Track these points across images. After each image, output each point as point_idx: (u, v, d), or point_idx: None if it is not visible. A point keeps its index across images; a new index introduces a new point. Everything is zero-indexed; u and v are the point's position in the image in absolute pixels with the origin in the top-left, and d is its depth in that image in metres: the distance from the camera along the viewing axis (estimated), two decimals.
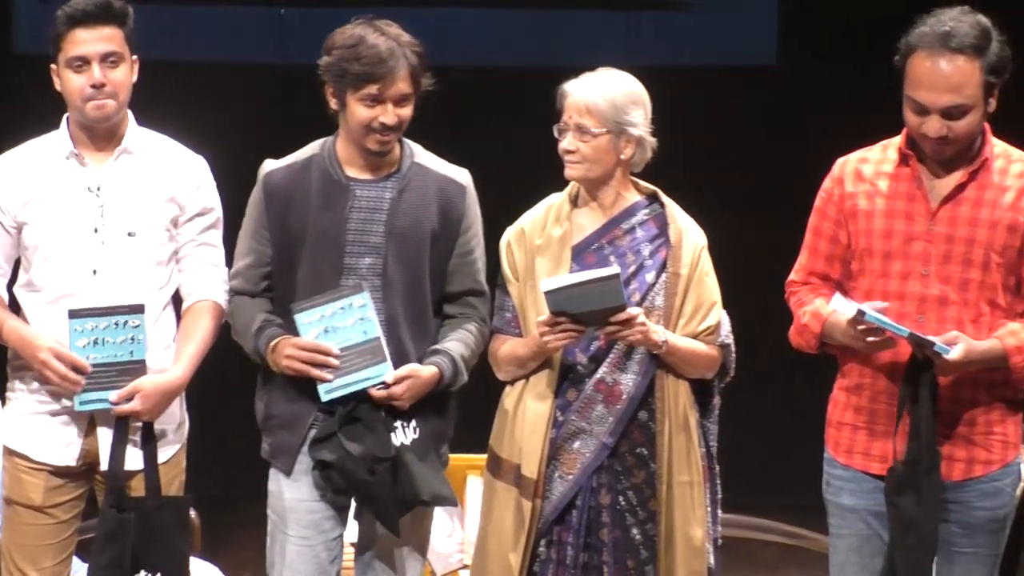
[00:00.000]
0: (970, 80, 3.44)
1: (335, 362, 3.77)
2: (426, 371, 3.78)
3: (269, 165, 3.87)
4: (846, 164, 3.69)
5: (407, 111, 3.77)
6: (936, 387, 3.52)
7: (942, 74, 3.46)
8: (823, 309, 3.65)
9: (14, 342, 3.85)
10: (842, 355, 3.66)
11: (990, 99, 3.50)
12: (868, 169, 3.65)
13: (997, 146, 3.58)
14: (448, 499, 3.93)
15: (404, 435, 3.81)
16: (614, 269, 3.67)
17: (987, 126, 3.59)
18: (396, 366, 3.80)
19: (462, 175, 3.93)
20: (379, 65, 3.70)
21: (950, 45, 3.45)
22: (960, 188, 3.56)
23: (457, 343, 3.85)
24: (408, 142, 3.89)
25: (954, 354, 3.44)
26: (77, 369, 3.74)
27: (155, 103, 4.10)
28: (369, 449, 3.78)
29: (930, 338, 3.50)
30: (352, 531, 4.13)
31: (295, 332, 3.79)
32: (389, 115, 3.71)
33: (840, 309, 3.53)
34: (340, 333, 3.71)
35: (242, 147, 4.31)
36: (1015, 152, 3.60)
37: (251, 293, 3.89)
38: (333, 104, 3.83)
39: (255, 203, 3.87)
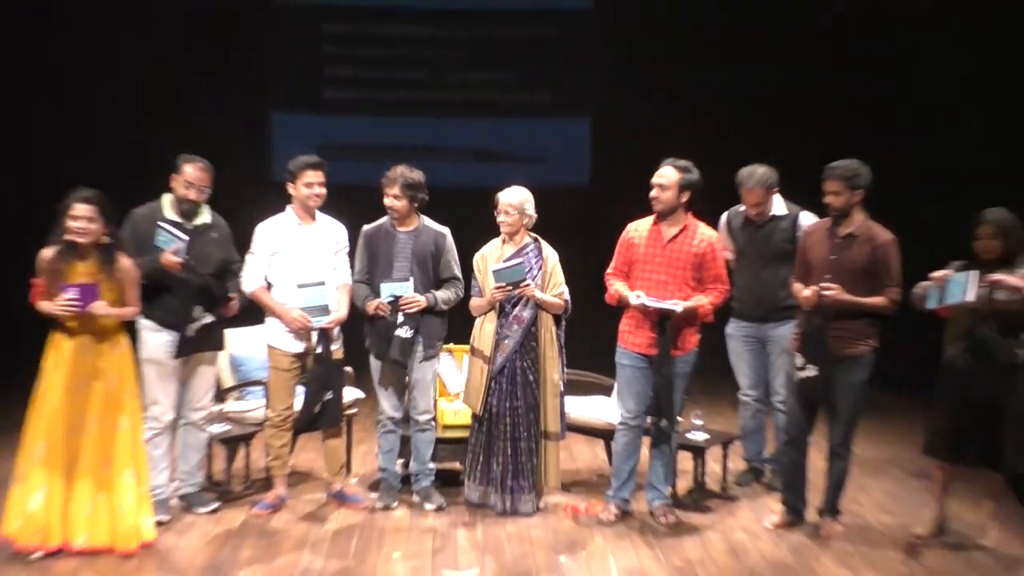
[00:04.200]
0: (671, 181, 5.58)
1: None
2: (421, 296, 5.90)
3: (367, 228, 6.18)
4: (633, 225, 5.81)
5: (401, 203, 5.92)
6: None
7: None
8: (622, 290, 5.69)
9: (275, 308, 5.98)
10: (626, 306, 5.70)
11: (683, 193, 5.60)
12: (641, 226, 5.82)
13: (691, 219, 5.72)
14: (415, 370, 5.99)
15: (407, 333, 6.04)
16: (519, 260, 5.86)
17: (690, 214, 5.73)
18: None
19: (445, 229, 6.12)
20: (385, 179, 5.94)
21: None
22: (674, 237, 5.65)
23: (440, 292, 6.02)
24: (421, 215, 6.08)
25: (679, 307, 5.50)
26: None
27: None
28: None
29: (666, 305, 5.37)
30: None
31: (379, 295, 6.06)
32: (390, 201, 5.97)
33: (640, 299, 5.34)
34: (397, 292, 5.98)
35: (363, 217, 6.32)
36: (702, 224, 5.72)
37: (360, 282, 6.19)
38: None
39: (361, 244, 6.17)
